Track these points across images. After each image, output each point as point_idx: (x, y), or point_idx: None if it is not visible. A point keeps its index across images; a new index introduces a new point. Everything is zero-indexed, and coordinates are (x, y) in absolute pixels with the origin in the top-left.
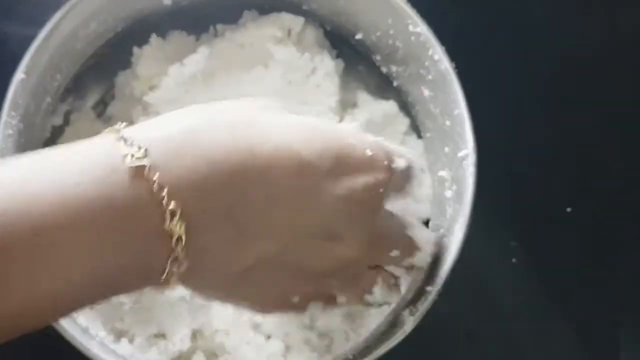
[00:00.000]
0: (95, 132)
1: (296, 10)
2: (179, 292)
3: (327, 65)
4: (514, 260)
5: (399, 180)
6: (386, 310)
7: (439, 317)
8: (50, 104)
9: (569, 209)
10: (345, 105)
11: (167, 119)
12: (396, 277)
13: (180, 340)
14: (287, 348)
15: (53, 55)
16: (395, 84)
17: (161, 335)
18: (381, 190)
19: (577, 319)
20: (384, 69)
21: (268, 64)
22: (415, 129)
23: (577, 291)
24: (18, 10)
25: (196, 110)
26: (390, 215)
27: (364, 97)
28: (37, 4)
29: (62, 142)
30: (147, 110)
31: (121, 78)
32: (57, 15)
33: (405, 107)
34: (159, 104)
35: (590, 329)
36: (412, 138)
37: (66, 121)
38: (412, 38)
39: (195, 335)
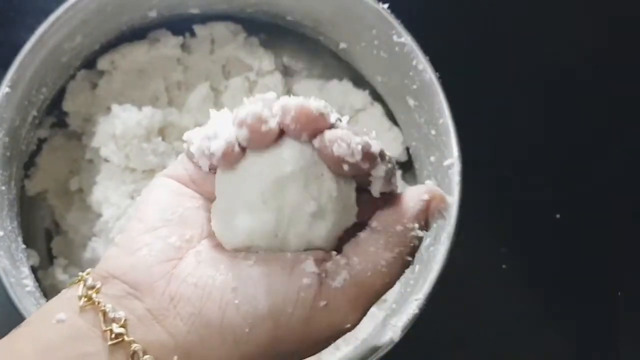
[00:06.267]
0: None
1: (281, 20)
2: None
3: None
4: (504, 266)
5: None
6: (375, 319)
7: (429, 325)
8: (36, 117)
9: (557, 215)
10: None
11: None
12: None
13: None
14: None
15: (38, 68)
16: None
17: None
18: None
19: (569, 324)
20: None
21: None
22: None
23: (568, 296)
24: (10, 17)
25: None
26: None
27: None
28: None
29: (40, 161)
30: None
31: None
32: (42, 29)
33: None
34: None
35: (582, 334)
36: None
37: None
38: (397, 48)
39: None
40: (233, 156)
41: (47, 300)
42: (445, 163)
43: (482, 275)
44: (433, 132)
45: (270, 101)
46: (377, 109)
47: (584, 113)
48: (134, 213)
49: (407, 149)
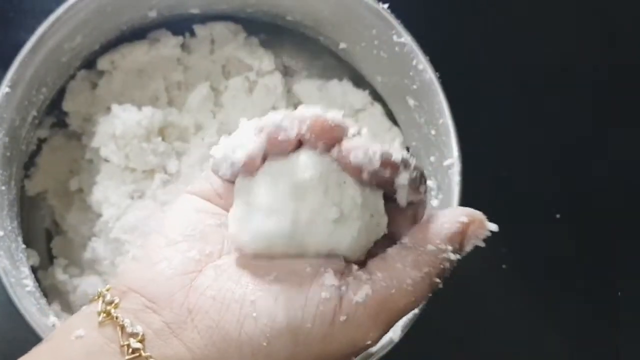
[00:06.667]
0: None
1: (281, 20)
2: None
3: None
4: (504, 266)
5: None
6: None
7: (429, 325)
8: (36, 117)
9: (557, 215)
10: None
11: None
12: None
13: None
14: None
15: (38, 68)
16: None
17: None
18: None
19: (569, 324)
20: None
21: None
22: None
23: (568, 296)
24: (10, 17)
25: None
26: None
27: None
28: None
29: (40, 161)
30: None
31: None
32: (42, 29)
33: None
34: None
35: (582, 334)
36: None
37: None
38: (397, 48)
39: None
40: (253, 165)
41: (47, 300)
42: (445, 163)
43: (482, 275)
44: (433, 132)
45: (293, 115)
46: (377, 109)
47: (584, 113)
48: (155, 229)
49: (407, 149)
